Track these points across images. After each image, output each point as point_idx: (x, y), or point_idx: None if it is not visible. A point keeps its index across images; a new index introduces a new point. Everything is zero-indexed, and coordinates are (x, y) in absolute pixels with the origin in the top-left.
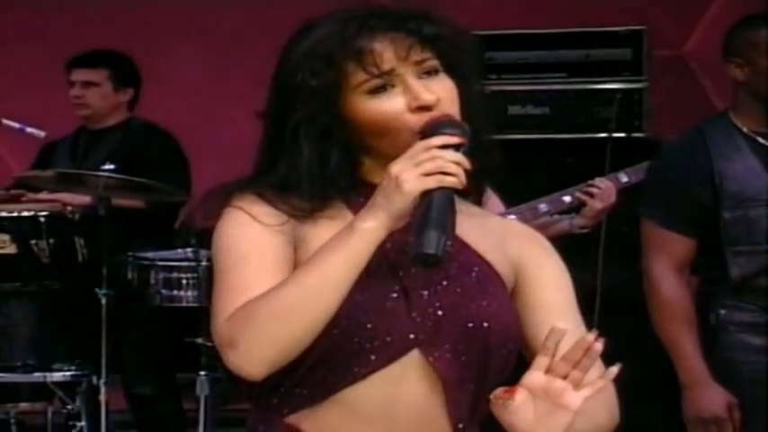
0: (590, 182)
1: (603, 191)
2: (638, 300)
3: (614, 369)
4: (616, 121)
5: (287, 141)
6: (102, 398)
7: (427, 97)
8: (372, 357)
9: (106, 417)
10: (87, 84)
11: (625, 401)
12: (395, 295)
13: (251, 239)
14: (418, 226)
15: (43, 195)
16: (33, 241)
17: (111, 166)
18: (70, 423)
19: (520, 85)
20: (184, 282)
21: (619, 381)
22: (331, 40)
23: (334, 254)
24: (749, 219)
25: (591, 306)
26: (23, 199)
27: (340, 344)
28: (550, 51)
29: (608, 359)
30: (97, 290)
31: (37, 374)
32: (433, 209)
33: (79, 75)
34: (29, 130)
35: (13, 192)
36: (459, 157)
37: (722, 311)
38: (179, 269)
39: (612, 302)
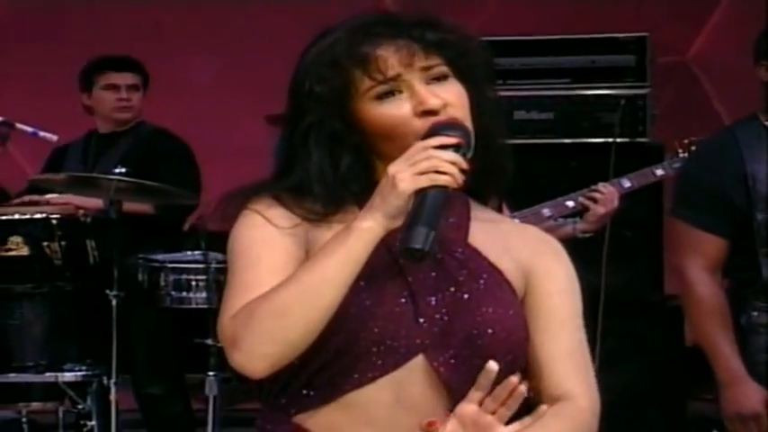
0: (593, 187)
1: (606, 196)
2: (641, 301)
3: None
4: (620, 126)
5: (298, 146)
6: (113, 397)
7: (432, 102)
8: (379, 362)
9: (116, 416)
10: (132, 87)
11: (627, 401)
12: (403, 300)
13: (264, 241)
14: (409, 221)
15: (53, 197)
16: (46, 243)
17: (123, 170)
18: (81, 422)
19: (525, 91)
20: (194, 284)
21: (621, 381)
22: (337, 48)
23: (332, 253)
24: None
25: (595, 308)
26: (36, 200)
27: (347, 347)
28: (555, 57)
29: (611, 358)
30: (108, 291)
31: (48, 374)
32: (425, 206)
33: (125, 78)
34: (42, 134)
35: (27, 199)
36: (454, 156)
37: (754, 313)
38: (189, 271)
39: (615, 304)
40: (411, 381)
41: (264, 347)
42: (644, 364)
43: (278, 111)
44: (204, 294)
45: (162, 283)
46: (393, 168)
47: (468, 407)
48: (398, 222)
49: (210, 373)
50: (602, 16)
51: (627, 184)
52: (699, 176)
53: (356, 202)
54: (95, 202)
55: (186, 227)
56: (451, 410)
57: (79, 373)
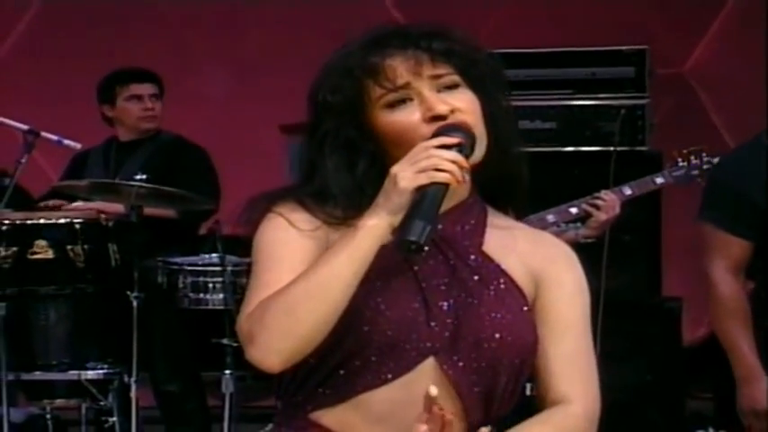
0: (596, 194)
1: (608, 203)
2: (639, 303)
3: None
4: (620, 135)
5: (317, 154)
6: (133, 395)
7: (440, 107)
8: (391, 364)
9: (136, 413)
10: (154, 96)
11: (626, 399)
12: (416, 305)
13: (286, 243)
14: (407, 215)
15: (79, 205)
16: (69, 247)
17: (144, 176)
18: (102, 418)
19: (529, 101)
20: (211, 286)
21: (620, 379)
22: (350, 59)
23: (340, 251)
24: None
25: (595, 309)
26: (62, 207)
27: (361, 349)
28: (558, 69)
29: (611, 358)
30: (129, 293)
31: (72, 373)
32: (423, 201)
33: (147, 88)
34: (66, 142)
35: (51, 203)
36: (454, 155)
37: None
38: (206, 274)
39: (615, 306)
40: (422, 382)
41: (278, 342)
42: (642, 363)
43: (292, 120)
44: (221, 296)
45: (180, 285)
46: (395, 168)
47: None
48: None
49: (226, 372)
50: (603, 30)
51: (628, 191)
52: (726, 181)
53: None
54: (117, 207)
55: (204, 231)
56: (462, 412)
57: (101, 372)
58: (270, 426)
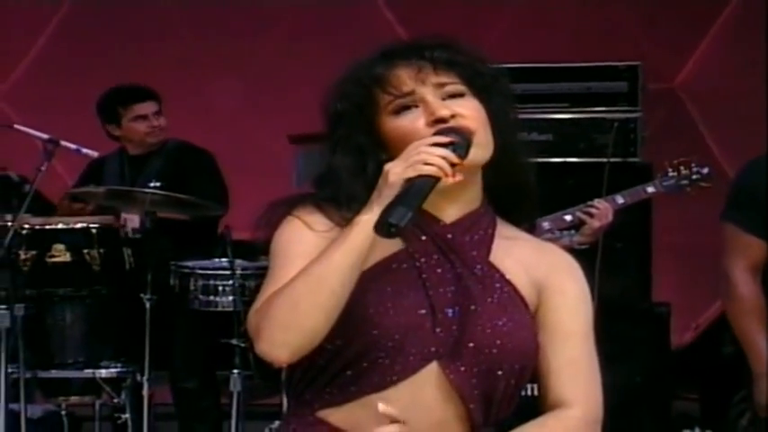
0: (589, 203)
1: (601, 211)
2: (630, 308)
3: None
4: (613, 147)
5: (330, 159)
6: (145, 392)
7: (442, 111)
8: (397, 367)
9: (148, 409)
10: (157, 113)
11: (616, 400)
12: (423, 312)
13: (300, 243)
14: (391, 201)
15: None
16: (86, 251)
17: (158, 184)
18: (116, 415)
19: (526, 114)
20: (220, 288)
21: (611, 381)
22: (360, 70)
23: (336, 246)
24: None
25: None
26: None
27: (369, 351)
28: (554, 83)
29: (602, 360)
30: (142, 295)
31: (86, 371)
32: (409, 190)
33: (150, 107)
34: (84, 150)
35: (75, 205)
36: (444, 151)
37: None
38: (216, 277)
39: (608, 310)
40: (426, 385)
41: (282, 335)
42: (632, 365)
43: (300, 131)
44: (230, 298)
45: (191, 288)
46: (388, 165)
47: None
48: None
49: (235, 371)
50: (597, 46)
51: (620, 200)
52: (751, 185)
53: None
54: (132, 216)
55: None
56: (465, 414)
57: (114, 370)
58: (278, 423)
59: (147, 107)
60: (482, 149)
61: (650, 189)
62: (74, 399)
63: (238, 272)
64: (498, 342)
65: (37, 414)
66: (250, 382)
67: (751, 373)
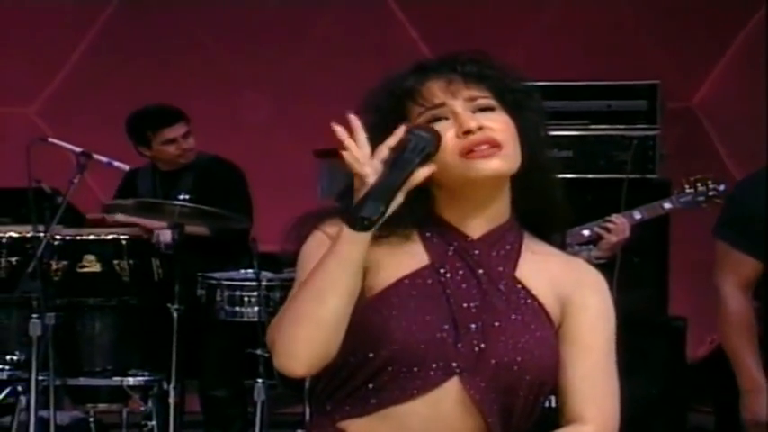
0: (607, 218)
1: (618, 226)
2: (647, 321)
3: None
4: (632, 164)
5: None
6: (171, 400)
7: (470, 124)
8: (418, 381)
9: (174, 417)
10: (186, 134)
11: (633, 412)
12: (446, 326)
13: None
14: (364, 194)
15: (123, 218)
16: (116, 261)
17: (187, 197)
18: (142, 422)
19: (547, 131)
20: (246, 299)
21: (628, 393)
22: (391, 83)
23: (328, 259)
24: None
25: None
26: (108, 221)
27: (390, 366)
28: (575, 101)
29: (620, 373)
30: (170, 305)
31: (115, 379)
32: (380, 185)
33: (179, 129)
34: (116, 164)
35: (97, 216)
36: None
37: None
38: (242, 288)
39: (625, 323)
40: (446, 399)
41: (292, 348)
42: (649, 378)
43: (327, 146)
44: (255, 309)
45: (218, 299)
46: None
47: None
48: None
49: (259, 380)
50: (618, 65)
51: (637, 215)
52: (743, 203)
53: (418, 230)
54: (159, 224)
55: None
56: (485, 429)
57: (142, 378)
58: None
59: (176, 130)
60: (508, 162)
61: (667, 205)
62: (102, 406)
63: (264, 283)
64: (519, 359)
65: (65, 421)
66: (274, 391)
67: None
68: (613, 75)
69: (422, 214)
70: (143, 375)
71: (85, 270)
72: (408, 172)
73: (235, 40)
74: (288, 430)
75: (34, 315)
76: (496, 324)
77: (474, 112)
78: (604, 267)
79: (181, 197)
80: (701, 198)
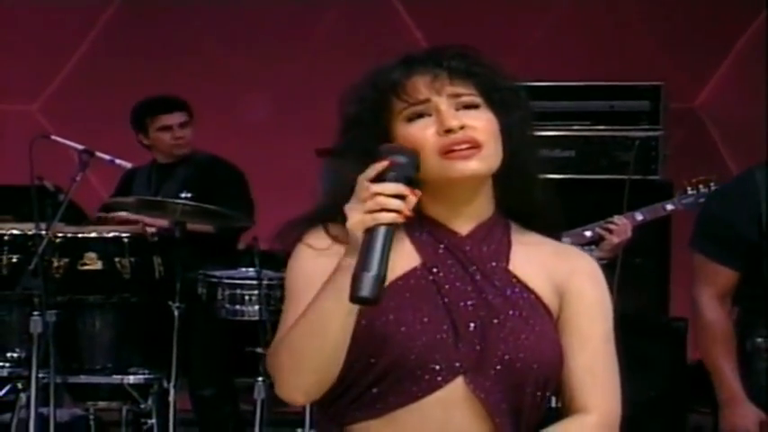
0: (609, 219)
1: (620, 227)
2: (648, 322)
3: None
4: (634, 164)
5: (339, 162)
6: (171, 399)
7: (450, 122)
8: (422, 384)
9: (174, 416)
10: (183, 124)
11: (633, 412)
12: (444, 327)
13: (312, 275)
14: (357, 266)
15: (125, 214)
16: (117, 259)
17: (188, 195)
18: (142, 420)
19: (550, 131)
20: (247, 298)
21: (628, 394)
22: (378, 76)
23: (326, 290)
24: None
25: None
26: (110, 218)
27: (394, 369)
28: (578, 102)
29: (623, 372)
30: (170, 303)
31: (115, 377)
32: (370, 249)
33: (175, 118)
34: (118, 161)
35: (102, 215)
36: (396, 188)
37: (758, 340)
38: (243, 287)
39: (626, 324)
40: (452, 400)
41: (293, 380)
42: (649, 379)
43: (328, 145)
44: (256, 307)
45: (219, 297)
46: (347, 207)
47: None
48: None
49: (259, 379)
50: (621, 66)
51: (639, 217)
52: (717, 213)
53: (405, 230)
54: (160, 222)
55: (242, 246)
56: (493, 428)
57: (142, 377)
58: (299, 431)
59: (173, 118)
60: (487, 162)
61: (669, 206)
62: (101, 404)
63: (265, 282)
64: (522, 355)
65: (65, 418)
66: (274, 389)
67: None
68: (617, 75)
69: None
70: (143, 373)
71: (87, 268)
72: (393, 221)
73: (236, 41)
74: (288, 428)
75: (35, 312)
76: (495, 321)
77: (458, 109)
78: (606, 268)
79: (182, 195)
80: (703, 199)
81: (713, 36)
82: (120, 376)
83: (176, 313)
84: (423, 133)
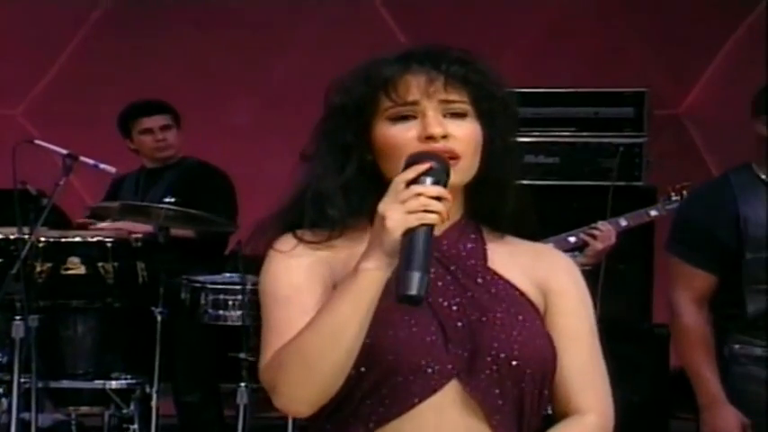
0: (593, 225)
1: (604, 233)
2: (631, 328)
3: None
4: (618, 171)
5: (313, 152)
6: (154, 404)
7: (434, 129)
8: (416, 389)
9: (156, 421)
10: (165, 127)
11: (616, 418)
12: (433, 329)
13: (291, 281)
14: (401, 266)
15: (107, 224)
16: (100, 264)
17: (172, 200)
18: (124, 426)
19: (534, 137)
20: (230, 303)
21: (612, 399)
22: (370, 68)
23: (343, 297)
24: None
25: None
26: (92, 227)
27: (386, 379)
28: (562, 108)
29: (610, 378)
30: (153, 308)
31: (97, 382)
32: (415, 248)
33: (157, 120)
34: (102, 166)
35: (82, 221)
36: (438, 190)
37: (736, 345)
38: (226, 292)
39: (610, 330)
40: (449, 404)
41: (299, 392)
42: (632, 385)
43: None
44: (239, 313)
45: (202, 302)
46: (382, 206)
47: None
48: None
49: (242, 384)
50: (605, 72)
51: (623, 223)
52: (694, 217)
53: (369, 217)
54: (144, 227)
55: (226, 251)
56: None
57: (124, 382)
58: None
59: (154, 121)
60: (460, 175)
61: (653, 212)
62: (83, 409)
63: (248, 287)
64: (516, 352)
65: (47, 423)
66: (257, 395)
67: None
68: (600, 82)
69: (369, 204)
70: (125, 379)
71: (70, 272)
72: (436, 222)
73: (222, 44)
74: None
75: (17, 317)
76: (483, 319)
77: (444, 115)
78: (589, 274)
79: (166, 200)
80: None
81: (697, 43)
82: (102, 381)
83: (159, 318)
84: (403, 136)
